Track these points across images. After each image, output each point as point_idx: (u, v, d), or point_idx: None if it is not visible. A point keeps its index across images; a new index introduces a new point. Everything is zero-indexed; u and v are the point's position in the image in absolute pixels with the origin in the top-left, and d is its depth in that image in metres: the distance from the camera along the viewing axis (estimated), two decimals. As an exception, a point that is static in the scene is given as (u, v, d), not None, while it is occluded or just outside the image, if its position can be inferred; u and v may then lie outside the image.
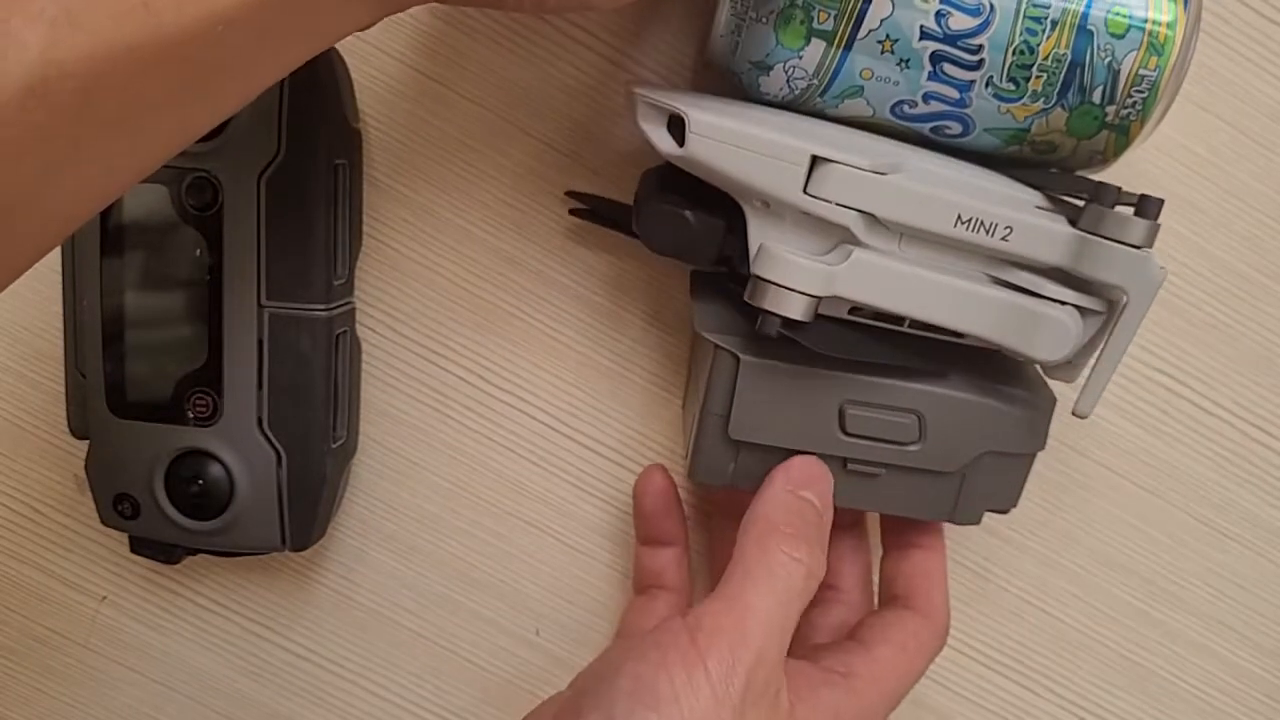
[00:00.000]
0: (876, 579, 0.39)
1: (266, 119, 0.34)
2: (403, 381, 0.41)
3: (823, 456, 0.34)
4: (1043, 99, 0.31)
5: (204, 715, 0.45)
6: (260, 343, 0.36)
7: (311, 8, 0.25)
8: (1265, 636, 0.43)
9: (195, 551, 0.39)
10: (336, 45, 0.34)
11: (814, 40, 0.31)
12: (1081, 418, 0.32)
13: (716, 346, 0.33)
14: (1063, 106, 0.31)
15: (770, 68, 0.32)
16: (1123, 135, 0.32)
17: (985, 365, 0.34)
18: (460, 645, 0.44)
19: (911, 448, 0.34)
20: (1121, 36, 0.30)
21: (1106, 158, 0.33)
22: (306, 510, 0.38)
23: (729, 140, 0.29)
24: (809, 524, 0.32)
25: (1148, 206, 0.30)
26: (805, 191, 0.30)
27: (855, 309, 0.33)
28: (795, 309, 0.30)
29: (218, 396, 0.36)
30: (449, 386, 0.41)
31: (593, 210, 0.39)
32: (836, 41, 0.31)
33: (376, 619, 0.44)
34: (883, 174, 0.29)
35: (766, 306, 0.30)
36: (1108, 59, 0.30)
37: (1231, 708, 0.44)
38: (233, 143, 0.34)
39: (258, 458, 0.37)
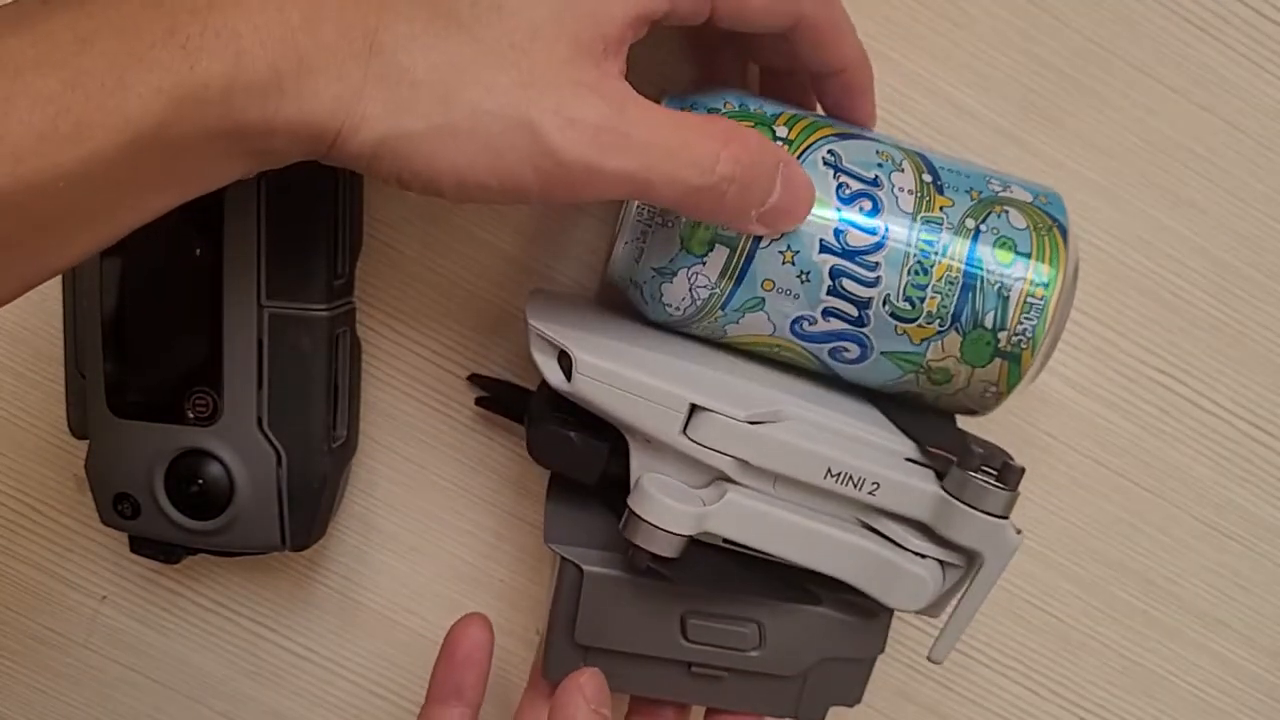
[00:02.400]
0: None
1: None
2: (403, 381, 0.41)
3: (666, 660, 0.35)
4: (938, 320, 0.32)
5: (204, 715, 0.45)
6: (260, 343, 0.36)
7: (171, 166, 0.24)
8: (1265, 636, 0.43)
9: (195, 551, 0.39)
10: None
11: (718, 246, 0.32)
12: (936, 663, 0.33)
13: (562, 558, 0.34)
14: (957, 330, 0.32)
15: (674, 273, 0.33)
16: (1015, 364, 0.33)
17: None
18: (460, 645, 0.44)
19: (752, 654, 0.35)
20: (1009, 266, 0.32)
21: (1000, 391, 0.34)
22: (306, 510, 0.38)
23: (613, 383, 0.31)
24: None
25: (1008, 475, 0.31)
26: (684, 434, 0.31)
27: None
28: (666, 548, 0.31)
29: (218, 396, 0.36)
30: (449, 386, 0.41)
31: (494, 398, 0.40)
32: (740, 248, 0.32)
33: (377, 619, 0.44)
34: (758, 424, 0.31)
35: (638, 542, 0.31)
36: (998, 285, 0.32)
37: (1231, 708, 0.44)
38: (233, 142, 0.34)
39: (258, 457, 0.36)
